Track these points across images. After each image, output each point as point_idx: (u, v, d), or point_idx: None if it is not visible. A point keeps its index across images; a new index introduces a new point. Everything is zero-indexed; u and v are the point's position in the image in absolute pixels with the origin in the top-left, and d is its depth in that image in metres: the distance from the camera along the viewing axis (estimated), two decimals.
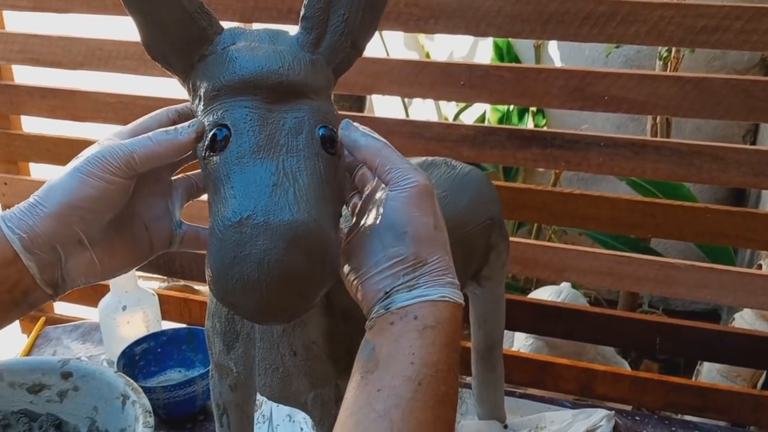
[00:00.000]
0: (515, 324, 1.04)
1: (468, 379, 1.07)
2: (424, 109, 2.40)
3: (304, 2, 0.51)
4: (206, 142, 0.48)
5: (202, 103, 0.50)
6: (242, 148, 0.46)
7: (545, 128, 1.64)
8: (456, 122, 1.25)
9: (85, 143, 1.19)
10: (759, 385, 1.46)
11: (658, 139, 0.90)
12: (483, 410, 0.97)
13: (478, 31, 0.89)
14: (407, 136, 0.97)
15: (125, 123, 1.09)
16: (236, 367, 0.64)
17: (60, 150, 1.17)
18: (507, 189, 0.99)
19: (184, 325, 1.11)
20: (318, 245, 0.44)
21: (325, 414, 0.64)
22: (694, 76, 0.85)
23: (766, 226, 0.90)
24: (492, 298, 0.87)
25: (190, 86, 0.52)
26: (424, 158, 0.82)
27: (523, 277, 1.72)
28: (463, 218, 0.77)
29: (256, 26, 0.57)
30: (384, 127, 0.99)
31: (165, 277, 1.65)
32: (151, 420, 0.77)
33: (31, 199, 0.47)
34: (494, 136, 0.95)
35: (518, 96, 0.92)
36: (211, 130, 0.47)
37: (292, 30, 0.53)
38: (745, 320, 1.59)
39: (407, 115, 2.25)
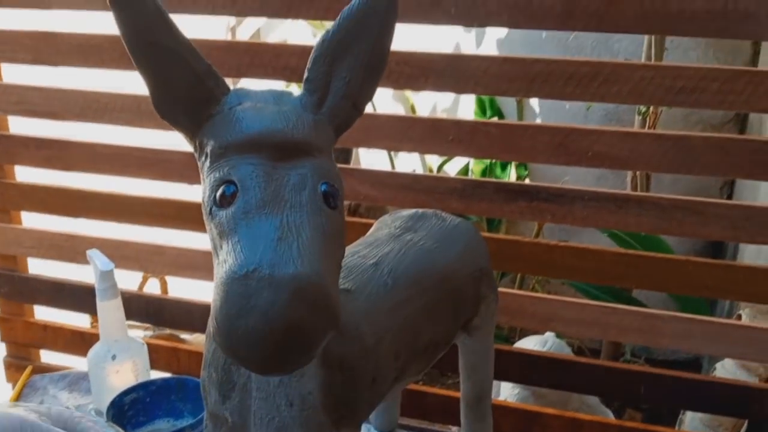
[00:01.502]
0: (502, 374, 1.05)
1: (455, 429, 1.08)
2: (409, 159, 2.45)
3: (308, 65, 0.54)
4: (214, 198, 0.50)
5: (208, 160, 0.52)
6: (248, 204, 0.48)
7: (528, 181, 1.69)
8: (444, 175, 1.28)
9: (79, 193, 1.22)
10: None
11: (640, 193, 0.94)
12: None
13: (466, 89, 0.93)
14: (396, 188, 0.99)
15: (120, 174, 1.12)
16: (231, 417, 0.64)
17: (53, 199, 1.18)
18: (493, 240, 1.02)
19: (172, 375, 1.11)
20: (321, 297, 0.46)
21: None
22: (674, 134, 0.89)
23: (746, 278, 0.93)
24: (481, 348, 0.88)
25: (197, 144, 0.54)
26: (414, 210, 0.85)
27: (507, 327, 1.74)
28: (454, 269, 0.79)
29: (250, 82, 0.60)
30: (374, 179, 1.02)
31: (150, 326, 1.64)
32: None
33: None
34: (482, 190, 0.98)
35: (504, 151, 0.95)
36: (218, 186, 0.50)
37: (285, 85, 0.56)
38: (726, 369, 1.61)
39: (393, 165, 2.29)
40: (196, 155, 0.55)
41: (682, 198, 0.91)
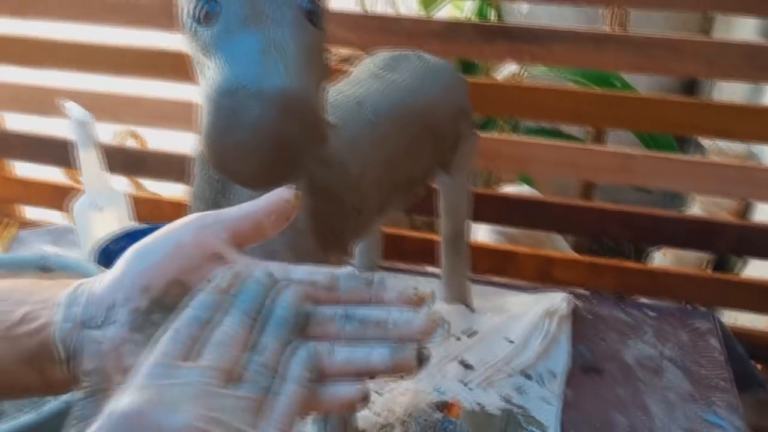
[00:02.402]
0: (480, 216, 1.08)
1: (430, 269, 1.12)
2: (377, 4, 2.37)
3: None
4: (196, 16, 0.49)
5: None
6: (230, 20, 0.48)
7: None
8: (424, 17, 1.26)
9: (49, 43, 1.16)
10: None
11: (619, 32, 0.93)
12: (450, 294, 1.02)
13: None
14: (375, 31, 0.98)
15: (90, 21, 1.07)
16: None
17: (22, 50, 1.15)
18: (472, 84, 1.02)
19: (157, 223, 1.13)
20: (307, 111, 0.47)
21: None
22: None
23: (718, 115, 0.95)
24: (459, 187, 0.91)
25: None
26: (395, 51, 0.84)
27: (483, 179, 1.77)
28: (434, 107, 0.79)
29: None
30: (351, 21, 1.00)
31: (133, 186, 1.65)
32: None
33: None
34: (461, 31, 0.97)
35: None
36: (198, 3, 0.49)
37: None
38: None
39: (365, 11, 2.22)
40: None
41: (659, 36, 0.91)
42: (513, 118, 1.57)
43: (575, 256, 1.26)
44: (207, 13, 0.48)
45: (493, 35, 0.96)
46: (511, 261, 1.13)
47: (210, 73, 0.48)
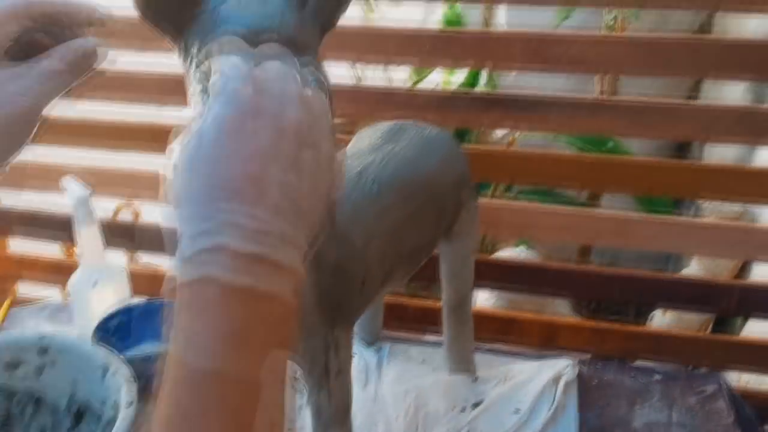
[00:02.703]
0: (481, 282, 1.08)
1: (431, 337, 1.10)
2: (374, 78, 2.42)
3: None
4: (202, 99, 0.49)
5: (194, 63, 0.52)
6: None
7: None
8: (421, 89, 1.28)
9: (51, 120, 1.17)
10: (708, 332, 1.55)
11: (614, 98, 0.95)
12: (454, 364, 1.00)
13: None
14: (374, 102, 0.99)
15: (89, 97, 1.08)
16: None
17: None
18: (470, 151, 1.03)
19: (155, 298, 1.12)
20: None
21: (313, 364, 0.67)
22: (647, 36, 0.90)
23: (717, 177, 0.96)
24: (462, 254, 0.90)
25: (182, 47, 0.53)
26: (394, 122, 0.85)
27: (484, 241, 1.77)
28: (435, 176, 0.80)
29: None
30: (349, 94, 1.01)
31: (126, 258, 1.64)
32: (134, 388, 0.78)
33: None
34: (458, 101, 0.98)
35: (482, 59, 0.95)
36: (206, 87, 0.49)
37: None
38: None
39: (359, 81, 2.26)
40: (182, 59, 0.54)
41: (654, 101, 0.93)
42: (512, 183, 1.58)
43: (578, 320, 1.25)
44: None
45: (490, 104, 0.98)
46: (514, 327, 1.12)
47: None
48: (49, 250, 1.34)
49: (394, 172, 0.75)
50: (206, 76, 0.49)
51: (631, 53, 0.90)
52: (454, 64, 0.98)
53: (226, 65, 0.40)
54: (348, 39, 0.96)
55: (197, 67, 0.51)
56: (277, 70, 0.41)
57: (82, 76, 0.47)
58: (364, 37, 0.96)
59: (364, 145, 0.80)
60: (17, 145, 0.47)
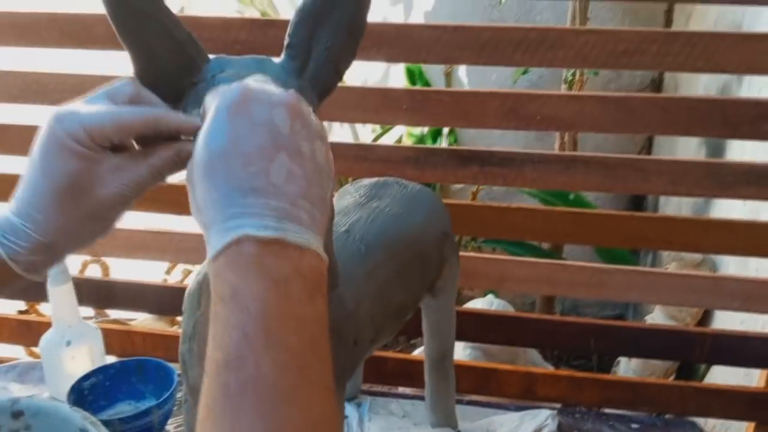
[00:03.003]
0: (459, 334, 1.09)
1: (409, 391, 1.11)
2: (341, 133, 2.45)
3: (289, 31, 0.55)
4: None
5: None
6: None
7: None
8: (399, 144, 1.30)
9: (15, 178, 1.15)
10: (672, 378, 1.58)
11: (587, 153, 0.98)
12: (436, 418, 1.00)
13: (418, 59, 0.95)
14: (353, 159, 1.00)
15: None
16: None
17: None
18: (449, 205, 1.05)
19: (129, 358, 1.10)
20: None
21: None
22: (616, 96, 0.94)
23: (684, 229, 1.00)
24: (445, 308, 0.91)
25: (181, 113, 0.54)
26: (376, 179, 0.87)
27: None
28: (420, 233, 0.81)
29: None
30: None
31: (94, 315, 1.60)
32: None
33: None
34: (435, 157, 1.00)
35: (457, 118, 0.98)
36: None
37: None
38: (655, 321, 1.72)
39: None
40: None
41: (626, 156, 0.97)
42: (490, 237, 1.61)
43: (557, 371, 1.27)
44: None
45: (466, 160, 1.00)
46: (493, 378, 1.13)
47: None
48: (8, 307, 1.30)
49: (380, 230, 0.76)
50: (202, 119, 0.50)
51: (602, 111, 0.94)
52: (432, 122, 1.00)
53: (218, 89, 0.45)
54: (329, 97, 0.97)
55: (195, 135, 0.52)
56: (263, 80, 0.48)
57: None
58: (344, 95, 0.98)
59: (349, 202, 0.81)
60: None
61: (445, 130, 2.22)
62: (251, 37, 0.96)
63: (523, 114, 0.96)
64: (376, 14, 2.25)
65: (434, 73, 2.30)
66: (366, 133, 2.39)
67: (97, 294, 1.18)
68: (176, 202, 1.08)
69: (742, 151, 1.41)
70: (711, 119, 0.92)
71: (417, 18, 2.25)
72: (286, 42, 0.55)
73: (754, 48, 0.88)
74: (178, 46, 0.52)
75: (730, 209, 1.46)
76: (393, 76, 2.35)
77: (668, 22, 2.18)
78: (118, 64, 0.57)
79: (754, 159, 1.02)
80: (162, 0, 0.51)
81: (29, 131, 1.07)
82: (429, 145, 2.14)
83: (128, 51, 0.52)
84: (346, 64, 0.57)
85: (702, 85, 1.80)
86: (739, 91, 1.48)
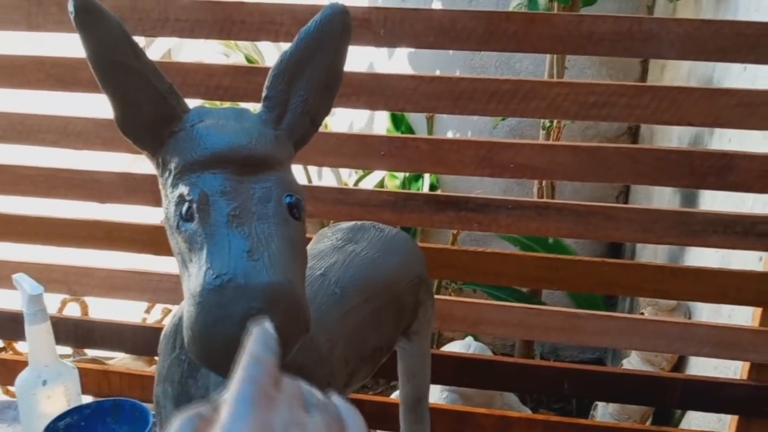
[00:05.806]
0: (435, 377, 1.10)
1: None
2: (323, 174, 2.48)
3: (267, 83, 0.57)
4: (180, 213, 0.51)
5: (172, 176, 0.54)
6: (218, 217, 0.50)
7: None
8: (378, 188, 1.32)
9: (2, 217, 1.17)
10: (649, 422, 1.59)
11: (560, 201, 1.00)
12: None
13: (397, 107, 0.98)
14: (333, 202, 1.03)
15: (46, 196, 1.09)
16: None
17: None
18: (426, 249, 1.06)
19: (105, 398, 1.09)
20: (293, 304, 0.49)
21: None
22: (588, 146, 0.97)
23: (655, 276, 1.02)
24: (420, 352, 0.92)
25: (160, 161, 0.56)
26: (353, 222, 0.88)
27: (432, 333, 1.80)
28: (395, 277, 0.83)
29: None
30: (309, 193, 1.04)
31: (71, 353, 1.59)
32: None
33: None
34: (412, 201, 1.03)
35: (434, 165, 1.00)
36: (184, 201, 0.51)
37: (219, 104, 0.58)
38: (632, 364, 1.73)
39: (309, 182, 2.32)
40: (158, 172, 0.57)
41: (597, 204, 0.99)
42: (465, 281, 1.62)
43: (533, 414, 1.27)
44: (195, 212, 0.51)
45: (442, 205, 1.02)
46: (469, 422, 1.13)
47: (196, 268, 0.50)
48: None
49: (355, 274, 0.77)
50: (182, 199, 0.51)
51: (574, 160, 0.97)
52: (409, 168, 1.02)
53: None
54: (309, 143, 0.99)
55: (175, 180, 0.53)
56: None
57: None
58: (323, 140, 1.00)
59: (326, 245, 0.83)
60: None
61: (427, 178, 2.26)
62: (234, 83, 0.98)
63: (497, 162, 0.98)
64: (360, 58, 2.31)
65: (417, 116, 2.34)
66: (348, 174, 2.43)
67: (75, 333, 1.18)
68: (155, 242, 1.10)
69: (713, 200, 1.45)
70: (679, 170, 0.95)
71: (400, 61, 2.30)
72: (263, 94, 0.57)
73: (719, 102, 0.92)
74: (159, 97, 0.54)
75: (702, 256, 1.49)
76: (377, 119, 2.40)
77: (644, 71, 2.24)
78: (102, 107, 0.59)
79: (723, 208, 1.05)
80: (144, 53, 0.53)
81: (13, 170, 1.09)
82: (410, 188, 2.18)
83: (109, 99, 0.54)
84: (322, 116, 0.60)
85: (675, 134, 1.85)
86: (711, 141, 1.53)
